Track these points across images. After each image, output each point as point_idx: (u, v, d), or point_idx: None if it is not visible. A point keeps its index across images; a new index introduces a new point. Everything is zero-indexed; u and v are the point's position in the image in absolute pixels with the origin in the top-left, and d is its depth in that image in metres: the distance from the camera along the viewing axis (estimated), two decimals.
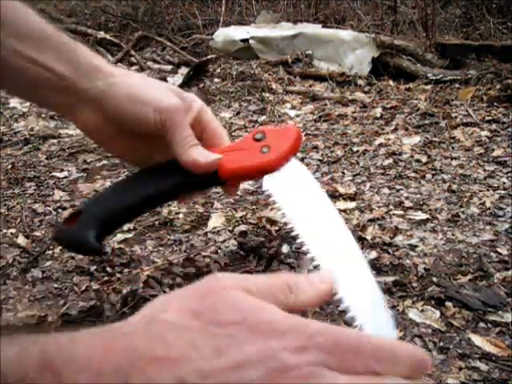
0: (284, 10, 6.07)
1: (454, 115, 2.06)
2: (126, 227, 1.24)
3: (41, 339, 0.29)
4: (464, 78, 3.07)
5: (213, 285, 0.31)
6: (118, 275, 0.89)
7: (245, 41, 3.17)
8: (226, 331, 0.28)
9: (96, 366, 0.27)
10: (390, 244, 0.95)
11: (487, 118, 1.98)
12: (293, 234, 0.38)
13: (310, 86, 3.66)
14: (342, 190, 1.22)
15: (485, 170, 1.36)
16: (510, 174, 1.31)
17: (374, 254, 0.92)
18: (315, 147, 1.60)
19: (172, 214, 1.15)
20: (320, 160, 1.48)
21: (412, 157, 1.50)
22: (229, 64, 2.94)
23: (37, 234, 1.07)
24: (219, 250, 1.20)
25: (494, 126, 1.86)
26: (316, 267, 0.37)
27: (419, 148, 1.59)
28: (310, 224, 0.39)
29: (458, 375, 0.63)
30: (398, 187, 1.25)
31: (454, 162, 1.43)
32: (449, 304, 0.77)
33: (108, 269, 0.91)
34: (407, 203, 1.15)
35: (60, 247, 1.02)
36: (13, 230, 1.07)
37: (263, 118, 2.08)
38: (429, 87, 3.12)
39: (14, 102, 2.85)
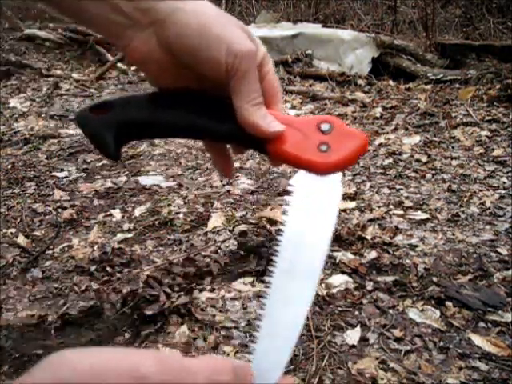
0: (284, 9, 6.07)
1: (453, 115, 2.05)
2: (125, 227, 1.24)
3: None
4: (464, 78, 3.07)
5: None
6: (118, 275, 0.89)
7: None
8: None
9: None
10: (390, 244, 0.96)
11: (487, 118, 1.97)
12: (278, 237, 0.37)
13: (310, 86, 3.66)
14: None
15: (485, 170, 1.36)
16: (509, 174, 1.31)
17: (373, 254, 0.93)
18: None
19: (172, 213, 1.15)
20: None
21: (412, 156, 1.50)
22: None
23: (37, 233, 1.07)
24: (219, 250, 1.20)
25: (493, 126, 1.86)
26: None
27: (419, 148, 1.59)
28: (294, 243, 0.38)
29: (457, 375, 0.62)
30: (398, 187, 1.26)
31: (454, 162, 1.43)
32: (449, 304, 0.77)
33: (108, 269, 0.91)
34: (407, 203, 1.15)
35: (59, 247, 1.02)
36: (13, 230, 1.07)
37: None
38: (429, 87, 3.12)
39: (14, 102, 2.85)
